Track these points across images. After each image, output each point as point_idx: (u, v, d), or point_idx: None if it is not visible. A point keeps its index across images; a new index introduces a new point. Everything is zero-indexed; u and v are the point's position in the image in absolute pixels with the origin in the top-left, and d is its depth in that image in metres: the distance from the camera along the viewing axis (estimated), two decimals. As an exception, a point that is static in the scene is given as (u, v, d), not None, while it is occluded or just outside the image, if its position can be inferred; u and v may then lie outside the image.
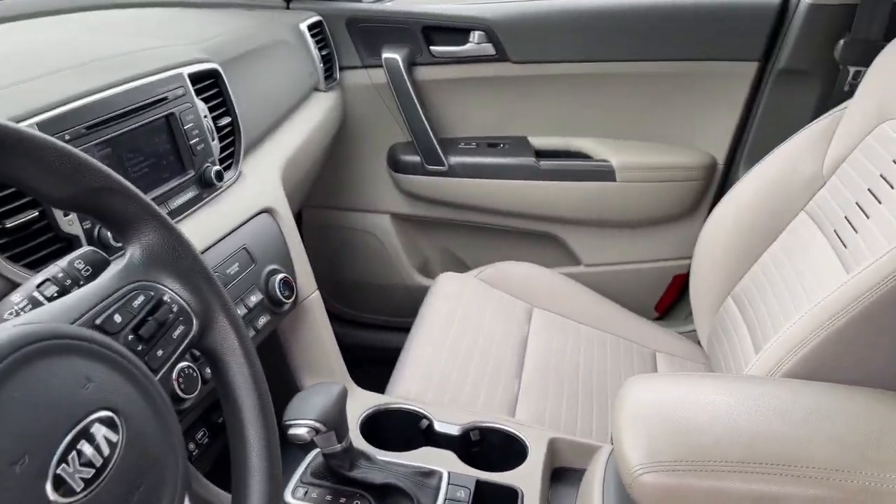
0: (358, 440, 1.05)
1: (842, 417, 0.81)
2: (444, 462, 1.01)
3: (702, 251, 1.36)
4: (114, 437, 0.46)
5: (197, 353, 0.85)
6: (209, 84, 1.06)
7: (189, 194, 0.97)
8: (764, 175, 1.29)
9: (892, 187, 1.03)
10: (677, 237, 1.69)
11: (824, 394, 0.86)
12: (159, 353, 0.55)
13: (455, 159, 1.65)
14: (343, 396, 0.87)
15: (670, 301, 1.78)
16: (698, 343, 1.45)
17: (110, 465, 0.45)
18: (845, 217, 1.09)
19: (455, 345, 1.30)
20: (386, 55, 1.59)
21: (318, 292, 1.17)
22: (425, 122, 1.63)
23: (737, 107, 1.54)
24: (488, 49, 1.57)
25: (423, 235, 1.82)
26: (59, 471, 0.42)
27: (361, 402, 1.12)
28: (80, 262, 0.63)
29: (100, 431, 0.45)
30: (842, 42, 1.36)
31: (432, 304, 1.41)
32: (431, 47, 1.60)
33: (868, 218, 1.04)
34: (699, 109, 1.57)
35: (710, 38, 1.48)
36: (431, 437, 1.08)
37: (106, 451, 0.45)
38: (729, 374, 0.99)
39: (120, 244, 0.81)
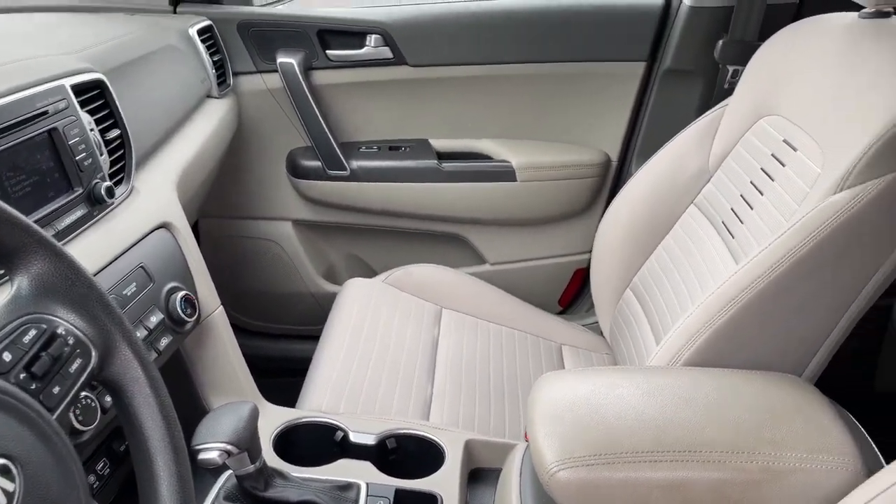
0: (272, 458, 1.02)
1: (739, 401, 0.86)
2: (361, 473, 1.00)
3: (600, 245, 1.41)
4: (10, 487, 0.43)
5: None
6: (94, 95, 1.00)
7: (77, 213, 0.91)
8: (654, 171, 1.34)
9: (772, 180, 1.10)
10: (577, 233, 1.74)
11: (722, 380, 0.91)
12: (55, 389, 0.52)
13: (357, 163, 1.64)
14: (254, 415, 0.84)
15: (573, 294, 1.83)
16: (601, 334, 1.49)
17: None
18: (731, 209, 1.16)
19: (365, 352, 1.29)
20: (281, 60, 1.55)
21: (221, 308, 1.13)
22: (325, 127, 1.61)
23: (627, 106, 1.60)
24: (385, 52, 1.56)
25: (327, 242, 1.80)
26: None
27: (273, 418, 1.09)
28: (-43, 296, 0.58)
29: (-6, 482, 0.42)
30: (720, 43, 1.44)
31: (340, 312, 1.40)
32: (328, 51, 1.58)
33: (752, 209, 1.11)
34: (592, 109, 1.62)
35: (600, 39, 1.54)
36: (347, 449, 1.07)
37: (2, 502, 0.42)
38: (634, 367, 1.03)
39: (1, 272, 0.76)
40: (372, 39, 1.55)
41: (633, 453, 0.80)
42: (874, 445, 0.85)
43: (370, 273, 1.80)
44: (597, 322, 1.64)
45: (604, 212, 1.42)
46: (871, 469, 0.77)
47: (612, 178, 1.68)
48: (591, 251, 1.44)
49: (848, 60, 1.05)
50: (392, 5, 1.57)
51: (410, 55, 1.57)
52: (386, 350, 1.30)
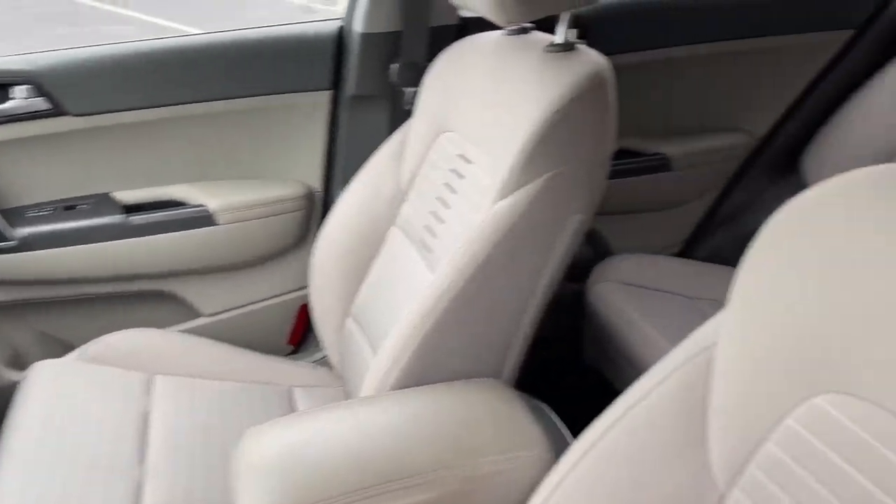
0: None
1: (441, 416, 0.87)
2: None
3: (316, 277, 1.38)
4: None
5: None
6: None
7: None
8: (355, 197, 1.35)
9: (455, 193, 1.14)
10: (294, 268, 1.69)
11: (425, 397, 0.91)
12: None
13: (26, 231, 1.44)
14: None
15: (302, 332, 1.78)
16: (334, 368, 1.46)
17: None
18: (426, 226, 1.18)
19: (56, 447, 1.12)
20: None
21: None
22: (-23, 195, 1.39)
23: (320, 135, 1.58)
24: (40, 104, 1.39)
25: (6, 323, 1.55)
26: None
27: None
28: None
29: None
30: (394, 66, 1.48)
31: (23, 404, 1.20)
32: (-36, 109, 1.36)
33: (443, 223, 1.14)
34: (286, 141, 1.58)
35: (280, 71, 1.50)
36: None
37: None
38: (342, 402, 1.00)
39: None
40: (19, 91, 1.37)
41: (339, 495, 0.76)
42: (564, 431, 0.91)
43: (70, 350, 1.60)
44: (326, 356, 1.61)
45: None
46: (558, 455, 0.81)
47: (320, 208, 1.66)
48: (310, 285, 1.40)
49: (498, 74, 1.12)
50: (40, 51, 1.40)
51: (72, 104, 1.41)
52: (83, 438, 1.14)
